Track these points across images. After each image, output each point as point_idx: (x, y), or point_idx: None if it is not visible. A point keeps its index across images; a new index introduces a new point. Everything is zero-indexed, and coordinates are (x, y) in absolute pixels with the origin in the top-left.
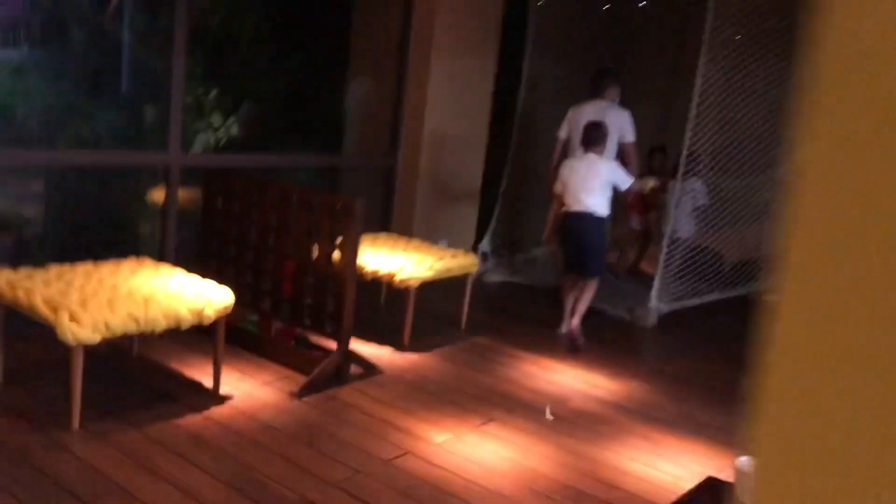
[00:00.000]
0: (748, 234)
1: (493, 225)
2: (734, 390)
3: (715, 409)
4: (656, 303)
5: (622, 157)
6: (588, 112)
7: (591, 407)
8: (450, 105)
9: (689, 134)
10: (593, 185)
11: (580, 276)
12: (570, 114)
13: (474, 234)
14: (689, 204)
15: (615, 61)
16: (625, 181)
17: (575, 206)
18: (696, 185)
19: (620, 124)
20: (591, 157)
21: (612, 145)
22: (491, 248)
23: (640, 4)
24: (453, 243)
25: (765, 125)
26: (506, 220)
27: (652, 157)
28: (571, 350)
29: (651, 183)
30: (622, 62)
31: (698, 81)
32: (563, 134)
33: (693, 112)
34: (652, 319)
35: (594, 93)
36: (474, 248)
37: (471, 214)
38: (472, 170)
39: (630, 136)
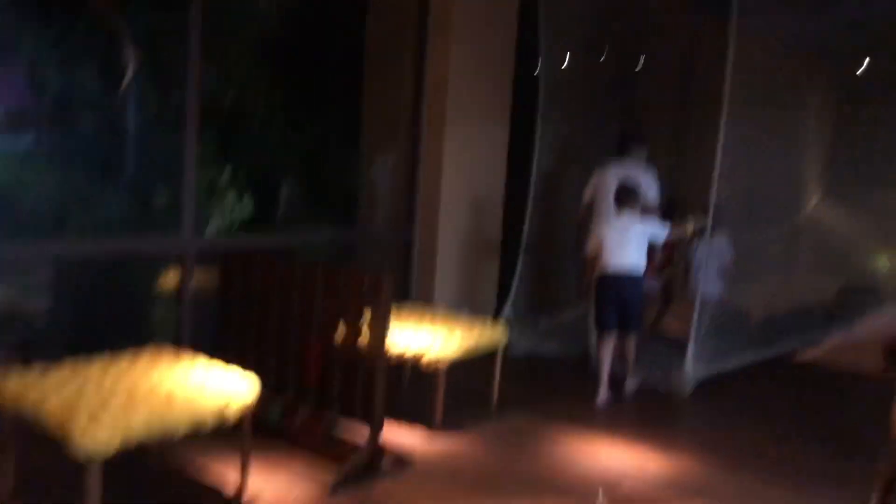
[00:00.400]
0: (771, 287)
1: (514, 290)
2: (792, 462)
3: (778, 483)
4: (692, 368)
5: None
6: (614, 173)
7: (646, 490)
8: (465, 171)
9: (714, 188)
10: (631, 243)
11: (619, 336)
12: (596, 176)
13: (495, 300)
14: (715, 261)
15: (624, 114)
16: (662, 232)
17: (613, 266)
18: (722, 241)
19: (646, 185)
20: (626, 216)
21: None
22: (514, 314)
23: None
24: (475, 310)
25: (782, 174)
26: (528, 284)
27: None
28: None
29: (691, 226)
30: (633, 115)
31: (722, 133)
32: (587, 197)
33: (718, 165)
34: (689, 386)
35: (621, 153)
36: (496, 315)
37: (492, 280)
38: (491, 236)
39: (654, 196)
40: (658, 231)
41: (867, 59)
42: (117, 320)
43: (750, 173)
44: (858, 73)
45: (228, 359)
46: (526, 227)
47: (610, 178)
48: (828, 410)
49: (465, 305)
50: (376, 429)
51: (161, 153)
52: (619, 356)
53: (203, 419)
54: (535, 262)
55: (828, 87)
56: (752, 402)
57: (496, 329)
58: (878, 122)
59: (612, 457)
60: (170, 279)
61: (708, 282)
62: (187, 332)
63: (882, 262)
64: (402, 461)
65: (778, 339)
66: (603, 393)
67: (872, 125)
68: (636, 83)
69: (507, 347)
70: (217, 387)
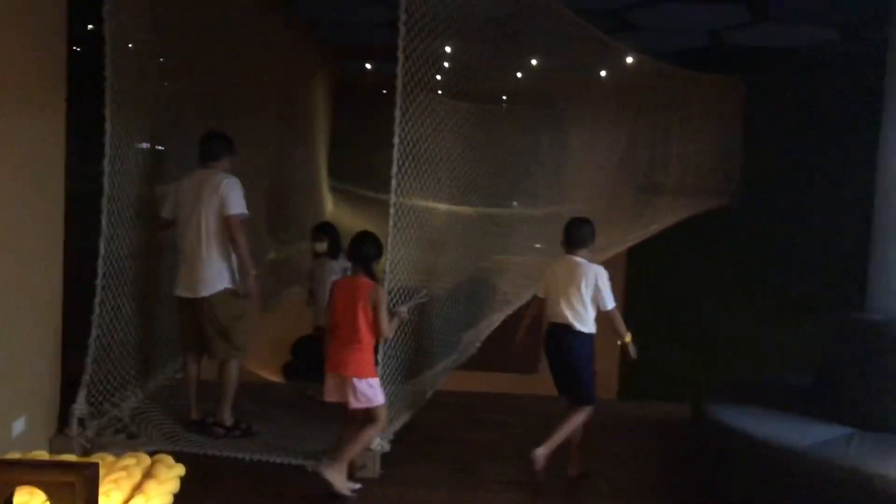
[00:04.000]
0: None
1: (89, 365)
2: None
3: None
4: None
5: (229, 232)
6: (195, 182)
7: None
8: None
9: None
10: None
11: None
12: (173, 188)
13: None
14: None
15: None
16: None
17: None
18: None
19: (225, 192)
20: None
21: (213, 218)
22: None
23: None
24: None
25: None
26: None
27: (314, 236)
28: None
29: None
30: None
31: (397, 142)
32: (167, 213)
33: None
34: None
35: (203, 160)
36: (63, 422)
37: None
38: (47, 294)
39: (236, 209)
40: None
41: None
42: None
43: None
44: None
45: None
46: (100, 263)
47: (186, 186)
48: None
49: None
50: None
51: None
52: None
53: None
54: (121, 313)
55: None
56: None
57: None
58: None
59: None
60: None
61: None
62: None
63: None
64: None
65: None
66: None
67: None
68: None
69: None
70: None
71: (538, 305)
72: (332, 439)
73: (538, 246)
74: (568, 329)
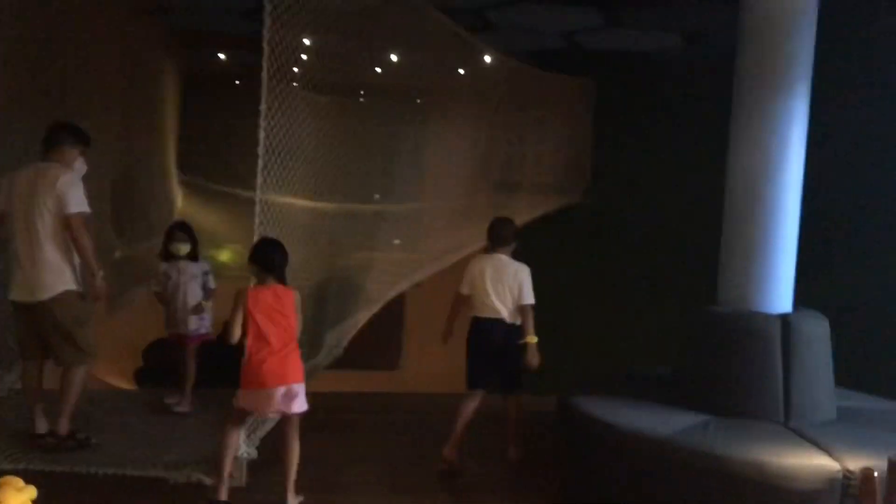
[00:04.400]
0: None
1: None
2: None
3: None
4: None
5: (70, 232)
6: (30, 176)
7: None
8: None
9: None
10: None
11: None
12: (6, 179)
13: None
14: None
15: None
16: None
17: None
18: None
19: (65, 192)
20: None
21: (50, 216)
22: None
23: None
24: None
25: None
26: None
27: (172, 236)
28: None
29: None
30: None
31: (262, 137)
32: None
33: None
34: None
35: (44, 152)
36: None
37: None
38: None
39: (76, 207)
40: None
41: None
42: None
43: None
44: None
45: None
46: None
47: (21, 180)
48: None
49: None
50: None
51: None
52: None
53: None
54: None
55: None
56: None
57: None
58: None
59: None
60: None
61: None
62: None
63: (226, 256)
64: None
65: None
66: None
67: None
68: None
69: None
70: None
71: (462, 302)
72: (193, 449)
73: (396, 242)
74: (499, 322)
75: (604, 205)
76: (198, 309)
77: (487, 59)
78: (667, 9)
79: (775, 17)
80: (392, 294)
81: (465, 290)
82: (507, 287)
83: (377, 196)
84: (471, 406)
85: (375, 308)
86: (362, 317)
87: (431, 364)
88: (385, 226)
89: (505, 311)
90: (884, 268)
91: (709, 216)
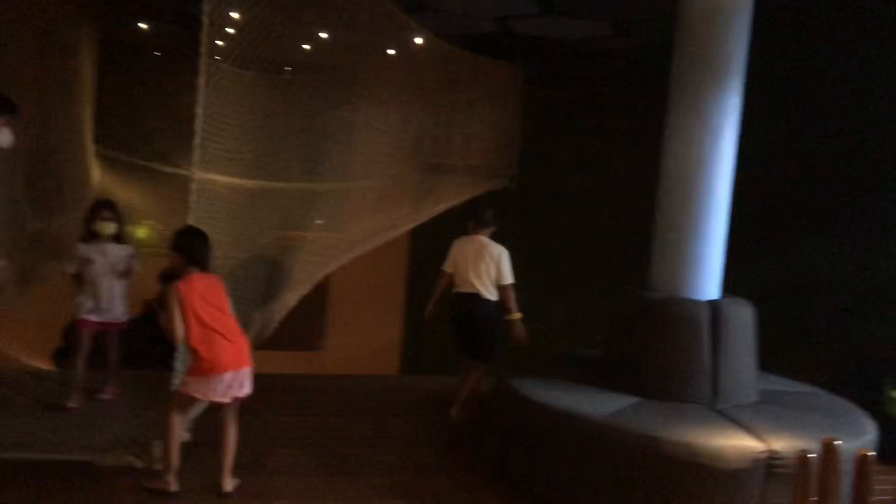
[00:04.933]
0: None
1: None
2: None
3: None
4: None
5: None
6: None
7: None
8: None
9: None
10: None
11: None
12: None
13: None
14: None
15: None
16: None
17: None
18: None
19: None
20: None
21: None
22: None
23: None
24: None
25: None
26: None
27: (97, 215)
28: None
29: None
30: None
31: (200, 113)
32: None
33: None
34: None
35: None
36: None
37: None
38: None
39: None
40: None
41: None
42: None
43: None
44: None
45: None
46: None
47: None
48: None
49: None
50: None
51: None
52: None
53: None
54: None
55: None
56: None
57: None
58: None
59: None
60: None
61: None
62: None
63: (143, 233)
64: None
65: None
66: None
67: None
68: None
69: None
70: None
71: (447, 279)
72: (122, 432)
73: (320, 222)
74: (477, 296)
75: (532, 189)
76: (128, 274)
77: (419, 40)
78: None
79: (711, 11)
80: (320, 275)
81: (449, 269)
82: (486, 266)
83: (304, 177)
84: (473, 370)
85: (304, 290)
86: (290, 298)
87: (355, 344)
88: (312, 205)
89: (482, 288)
90: (804, 259)
91: (636, 203)
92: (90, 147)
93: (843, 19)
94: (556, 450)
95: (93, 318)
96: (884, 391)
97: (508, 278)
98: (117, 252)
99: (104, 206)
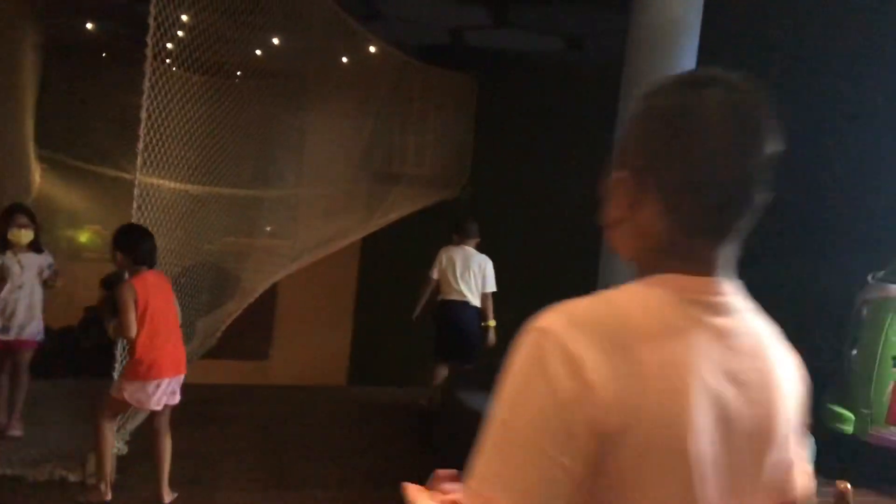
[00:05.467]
0: None
1: None
2: None
3: None
4: None
5: None
6: None
7: None
8: None
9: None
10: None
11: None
12: None
13: None
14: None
15: None
16: None
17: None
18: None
19: None
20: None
21: None
22: None
23: None
24: None
25: None
26: None
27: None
28: None
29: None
30: None
31: (144, 117)
32: None
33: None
34: None
35: None
36: None
37: None
38: None
39: None
40: None
41: None
42: None
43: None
44: None
45: None
46: None
47: None
48: None
49: None
50: None
51: None
52: None
53: None
54: None
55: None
56: None
57: None
58: None
59: None
60: None
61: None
62: None
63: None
64: None
65: None
66: None
67: None
68: None
69: None
70: None
71: (430, 286)
72: (54, 445)
73: (268, 229)
74: (466, 304)
75: (482, 201)
76: (52, 280)
77: (373, 49)
78: (551, 12)
79: (661, 26)
80: (268, 283)
81: (434, 276)
82: (473, 274)
83: (251, 183)
84: (441, 373)
85: (250, 298)
86: (235, 307)
87: (302, 354)
88: (261, 212)
89: (470, 295)
90: (743, 274)
91: (587, 217)
92: (31, 148)
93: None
94: None
95: (9, 337)
96: (823, 405)
97: (492, 287)
98: (37, 262)
99: (20, 212)
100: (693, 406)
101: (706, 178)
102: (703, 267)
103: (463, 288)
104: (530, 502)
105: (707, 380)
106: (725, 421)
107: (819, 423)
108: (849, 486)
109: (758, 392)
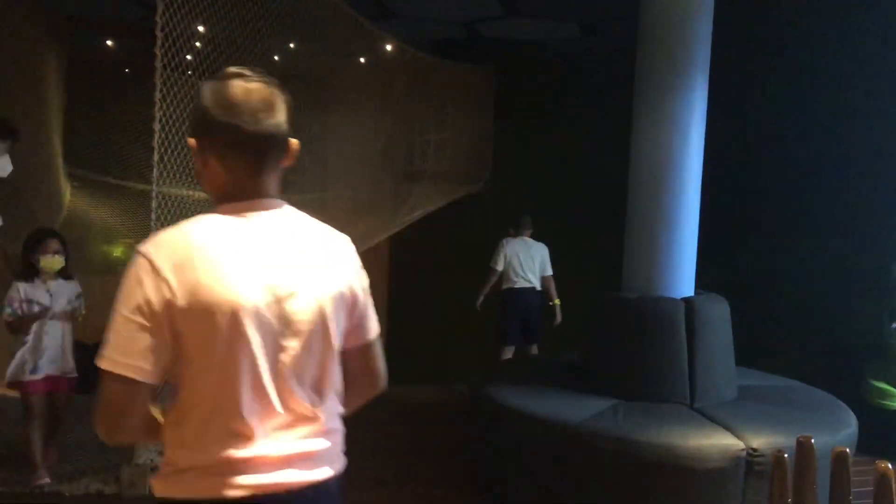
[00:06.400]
0: None
1: None
2: None
3: None
4: None
5: None
6: None
7: None
8: None
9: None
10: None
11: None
12: None
13: None
14: None
15: None
16: None
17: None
18: None
19: None
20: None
21: None
22: None
23: None
24: None
25: None
26: None
27: (45, 248)
28: None
29: None
30: None
31: (158, 129)
32: None
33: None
34: None
35: None
36: None
37: None
38: None
39: None
40: None
41: None
42: None
43: None
44: None
45: None
46: None
47: None
48: None
49: None
50: None
51: None
52: None
53: None
54: None
55: None
56: None
57: None
58: None
59: None
60: None
61: None
62: None
63: (121, 251)
64: None
65: None
66: None
67: None
68: None
69: None
70: None
71: (494, 275)
72: (88, 459)
73: None
74: (533, 290)
75: (505, 193)
76: (78, 311)
77: (388, 47)
78: None
79: (673, 9)
80: None
81: (498, 267)
82: (533, 261)
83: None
84: (507, 357)
85: None
86: None
87: None
88: None
89: (536, 281)
90: (777, 252)
91: (609, 204)
92: (60, 167)
93: (808, 17)
94: (533, 456)
95: (39, 377)
96: (865, 381)
97: (550, 270)
98: (67, 291)
99: (51, 237)
100: (229, 276)
101: (242, 138)
102: (250, 195)
103: (529, 275)
104: (133, 353)
105: (243, 259)
106: (262, 284)
107: (862, 400)
108: (889, 466)
109: (283, 261)
